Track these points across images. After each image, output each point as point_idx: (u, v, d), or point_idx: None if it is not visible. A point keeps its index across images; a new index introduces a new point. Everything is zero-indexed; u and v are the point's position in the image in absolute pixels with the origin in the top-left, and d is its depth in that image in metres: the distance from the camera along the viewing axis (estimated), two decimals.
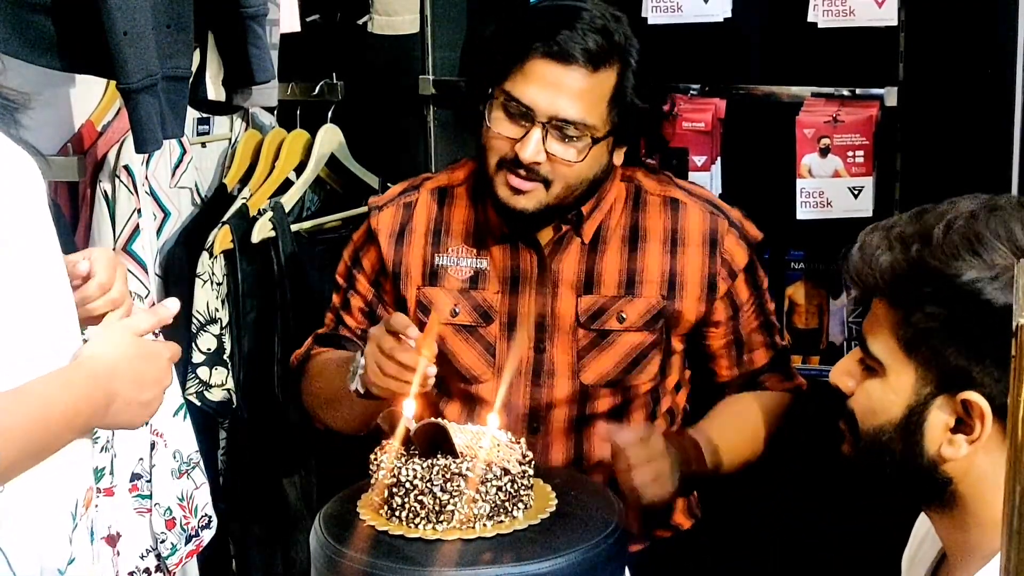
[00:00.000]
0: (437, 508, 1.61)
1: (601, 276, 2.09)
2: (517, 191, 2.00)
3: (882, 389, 1.45)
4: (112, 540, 2.19)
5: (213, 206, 2.75)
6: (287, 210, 2.76)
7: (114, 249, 2.42)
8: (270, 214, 2.71)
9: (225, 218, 2.68)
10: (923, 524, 1.61)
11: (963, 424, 1.40)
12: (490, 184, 2.03)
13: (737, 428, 2.14)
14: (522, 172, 1.99)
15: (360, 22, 2.92)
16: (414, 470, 1.63)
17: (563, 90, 1.96)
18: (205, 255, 2.64)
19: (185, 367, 2.61)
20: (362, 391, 1.93)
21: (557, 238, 2.09)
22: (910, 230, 1.42)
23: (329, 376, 2.10)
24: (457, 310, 2.10)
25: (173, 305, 1.61)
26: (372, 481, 1.68)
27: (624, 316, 2.09)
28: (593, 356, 2.09)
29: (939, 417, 1.41)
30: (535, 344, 2.10)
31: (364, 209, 2.86)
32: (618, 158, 2.07)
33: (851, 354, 1.52)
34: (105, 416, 1.41)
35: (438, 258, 2.13)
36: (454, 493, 1.61)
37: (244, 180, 2.80)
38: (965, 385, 1.38)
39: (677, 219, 2.11)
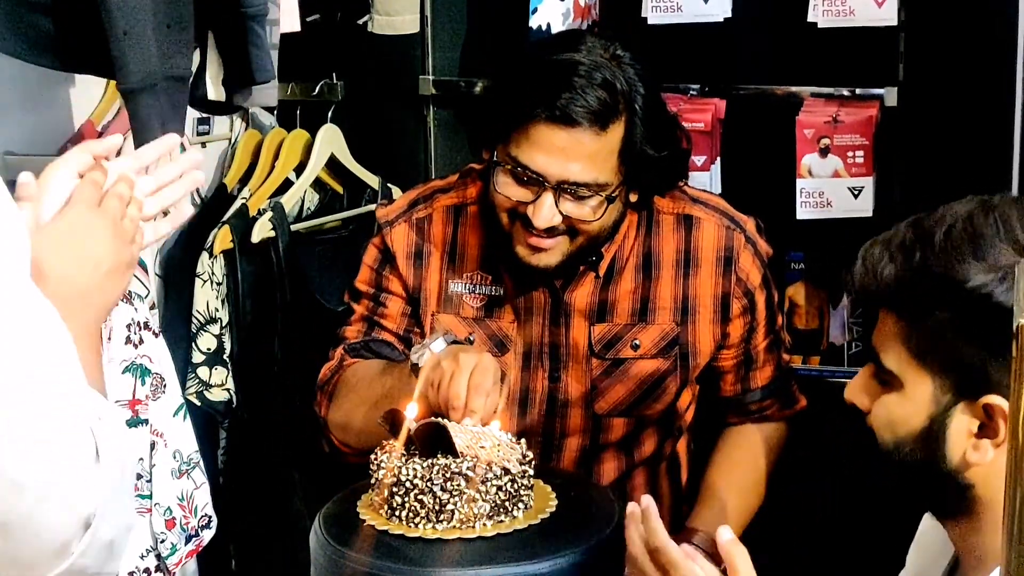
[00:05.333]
0: (437, 508, 1.61)
1: (614, 304, 2.06)
2: (537, 249, 1.96)
3: (900, 402, 1.44)
4: None
5: (213, 206, 2.75)
6: (287, 210, 2.75)
7: None
8: (270, 214, 2.71)
9: (225, 218, 2.68)
10: (929, 524, 1.61)
11: (985, 428, 1.39)
12: (507, 240, 1.98)
13: (742, 490, 2.12)
14: (540, 232, 1.94)
15: (360, 22, 2.91)
16: (414, 469, 1.62)
17: (571, 155, 1.89)
18: (205, 255, 2.64)
19: (185, 367, 2.61)
20: (421, 364, 1.83)
21: (571, 274, 2.05)
22: (910, 238, 1.41)
23: (371, 378, 2.00)
24: (472, 338, 2.06)
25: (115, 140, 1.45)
26: (372, 481, 1.68)
27: (638, 344, 2.06)
28: (608, 385, 2.07)
29: (961, 423, 1.40)
30: (549, 374, 2.08)
31: (364, 209, 2.88)
32: (633, 197, 2.02)
33: (864, 370, 1.51)
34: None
35: (452, 284, 2.08)
36: (454, 493, 1.61)
37: (244, 180, 2.80)
38: (984, 389, 1.37)
39: (691, 238, 2.07)
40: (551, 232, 1.94)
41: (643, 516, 1.51)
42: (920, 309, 1.39)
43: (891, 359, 1.44)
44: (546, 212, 1.91)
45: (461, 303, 2.07)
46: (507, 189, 1.94)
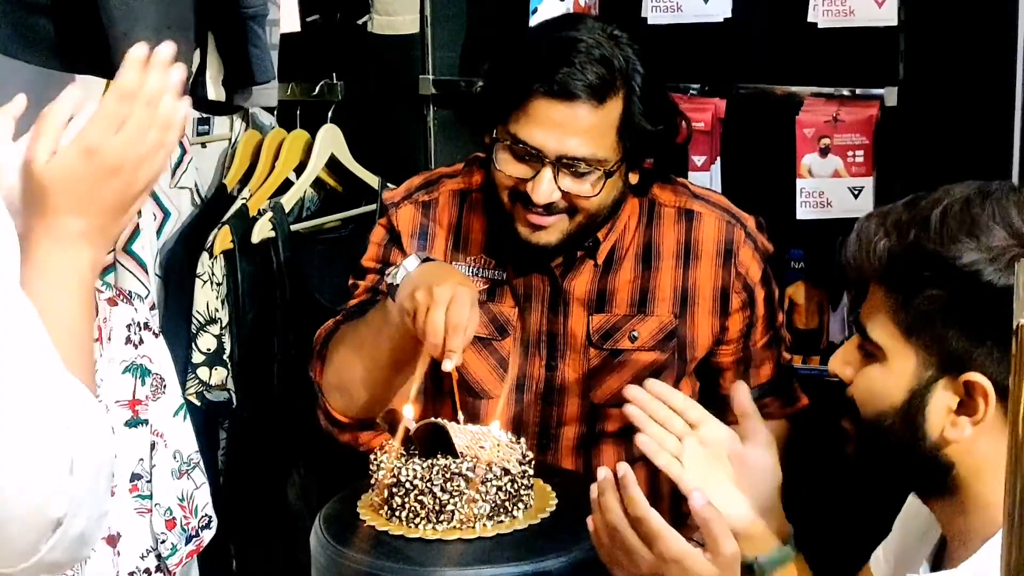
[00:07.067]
0: (437, 508, 1.61)
1: (613, 295, 2.07)
2: (537, 227, 1.97)
3: (883, 374, 1.45)
4: (112, 540, 2.20)
5: (213, 206, 2.75)
6: (287, 210, 2.76)
7: (114, 249, 2.42)
8: (270, 214, 2.71)
9: (225, 218, 2.69)
10: (908, 515, 1.61)
11: (965, 406, 1.40)
12: (509, 221, 1.99)
13: None
14: (540, 209, 1.95)
15: (360, 22, 2.92)
16: (414, 470, 1.63)
17: (569, 129, 1.91)
18: (205, 255, 2.64)
19: (185, 367, 2.61)
20: (397, 283, 1.84)
21: (569, 261, 2.06)
22: (906, 216, 1.43)
23: (356, 325, 2.01)
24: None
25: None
26: (372, 481, 1.69)
27: (636, 335, 2.07)
28: (604, 375, 2.07)
29: (942, 399, 1.41)
30: (546, 362, 2.08)
31: (364, 209, 2.88)
32: (633, 178, 2.04)
33: (849, 342, 1.52)
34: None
35: (456, 266, 2.07)
36: (454, 493, 1.61)
37: (244, 180, 2.80)
38: (966, 367, 1.38)
39: (691, 231, 2.08)
40: (550, 209, 1.95)
41: (621, 485, 1.48)
42: (911, 285, 1.41)
43: (878, 332, 1.45)
44: (545, 187, 1.92)
45: None
46: (507, 166, 1.96)
